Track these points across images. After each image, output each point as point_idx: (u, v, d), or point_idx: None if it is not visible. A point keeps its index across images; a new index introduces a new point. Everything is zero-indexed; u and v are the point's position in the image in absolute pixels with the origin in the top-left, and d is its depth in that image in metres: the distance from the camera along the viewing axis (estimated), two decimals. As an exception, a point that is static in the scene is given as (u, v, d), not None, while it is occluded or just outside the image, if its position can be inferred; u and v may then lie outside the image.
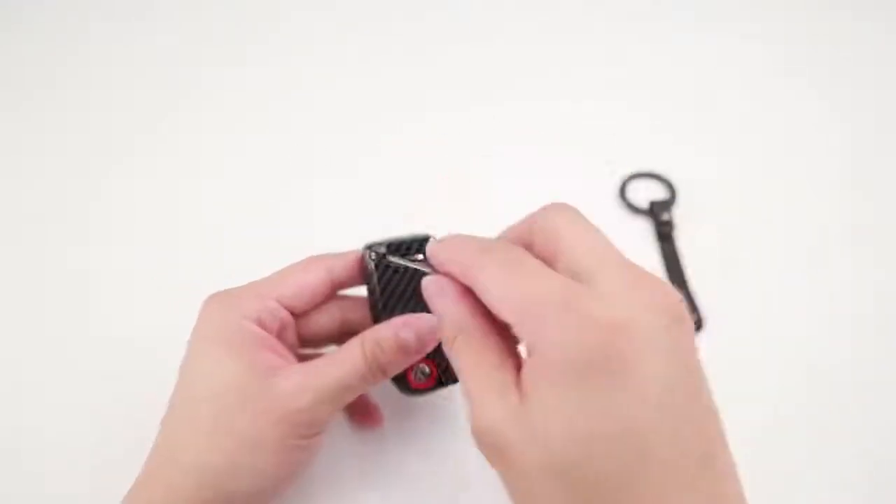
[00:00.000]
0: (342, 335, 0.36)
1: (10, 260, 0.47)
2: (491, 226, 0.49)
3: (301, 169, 0.52)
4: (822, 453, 0.39)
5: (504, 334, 0.27)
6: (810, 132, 0.54)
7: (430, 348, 0.31)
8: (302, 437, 0.30)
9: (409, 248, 0.34)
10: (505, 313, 0.25)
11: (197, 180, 0.51)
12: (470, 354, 0.26)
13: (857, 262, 0.47)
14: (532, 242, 0.27)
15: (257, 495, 0.31)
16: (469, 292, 0.27)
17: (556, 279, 0.25)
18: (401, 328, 0.31)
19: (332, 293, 0.35)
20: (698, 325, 0.44)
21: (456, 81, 0.58)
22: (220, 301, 0.33)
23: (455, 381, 0.33)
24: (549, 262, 0.26)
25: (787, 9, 0.61)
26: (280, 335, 0.33)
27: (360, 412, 0.39)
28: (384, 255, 0.33)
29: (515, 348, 0.27)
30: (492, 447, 0.24)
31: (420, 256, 0.34)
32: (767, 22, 0.60)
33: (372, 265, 0.33)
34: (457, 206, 0.50)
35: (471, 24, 0.62)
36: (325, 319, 0.35)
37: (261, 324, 0.32)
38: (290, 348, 0.34)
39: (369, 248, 0.34)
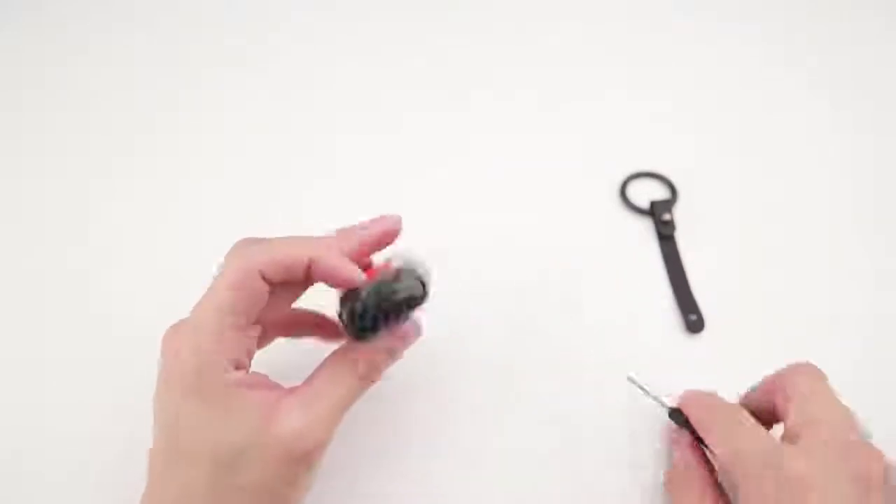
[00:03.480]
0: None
1: (9, 260, 0.47)
2: (492, 225, 0.49)
3: (302, 169, 0.52)
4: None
5: (713, 482, 0.34)
6: (811, 131, 0.54)
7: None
8: (312, 469, 0.30)
9: (395, 312, 0.32)
10: (721, 460, 0.32)
11: (197, 180, 0.51)
12: (681, 486, 0.35)
13: (858, 262, 0.47)
14: (773, 393, 0.34)
15: None
16: (697, 446, 0.35)
17: (764, 440, 0.31)
18: (393, 341, 0.33)
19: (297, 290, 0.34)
20: (699, 325, 0.43)
21: (454, 80, 0.58)
22: (185, 344, 0.30)
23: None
24: (781, 415, 0.33)
25: (787, 9, 0.61)
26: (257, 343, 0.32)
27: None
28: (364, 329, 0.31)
29: (717, 494, 0.33)
30: None
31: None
32: (767, 22, 0.60)
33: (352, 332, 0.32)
34: (456, 206, 0.50)
35: (469, 22, 0.62)
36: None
37: (238, 365, 0.30)
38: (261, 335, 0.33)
39: (345, 315, 0.31)
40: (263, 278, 0.30)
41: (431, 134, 0.54)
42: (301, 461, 0.29)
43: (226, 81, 0.57)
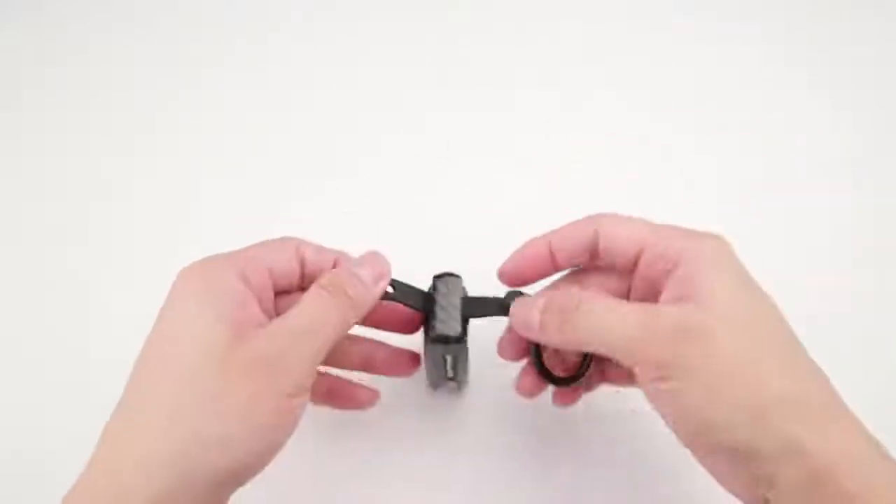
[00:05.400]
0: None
1: (9, 259, 0.47)
2: (501, 226, 0.49)
3: (302, 169, 0.52)
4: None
5: None
6: (811, 131, 0.54)
7: (385, 279, 0.32)
8: (276, 396, 0.27)
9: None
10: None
11: (197, 180, 0.51)
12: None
13: (858, 263, 0.47)
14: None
15: (224, 475, 0.27)
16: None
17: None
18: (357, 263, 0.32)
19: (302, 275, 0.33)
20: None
21: (454, 80, 0.57)
22: (201, 262, 0.30)
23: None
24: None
25: (787, 9, 0.61)
26: (262, 299, 0.31)
27: (345, 397, 0.37)
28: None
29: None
30: None
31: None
32: (767, 22, 0.60)
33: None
34: (460, 207, 0.50)
35: (470, 22, 0.62)
36: (347, 357, 0.36)
37: (245, 281, 0.30)
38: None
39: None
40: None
41: (432, 134, 0.54)
42: (264, 372, 0.27)
43: (226, 81, 0.57)
